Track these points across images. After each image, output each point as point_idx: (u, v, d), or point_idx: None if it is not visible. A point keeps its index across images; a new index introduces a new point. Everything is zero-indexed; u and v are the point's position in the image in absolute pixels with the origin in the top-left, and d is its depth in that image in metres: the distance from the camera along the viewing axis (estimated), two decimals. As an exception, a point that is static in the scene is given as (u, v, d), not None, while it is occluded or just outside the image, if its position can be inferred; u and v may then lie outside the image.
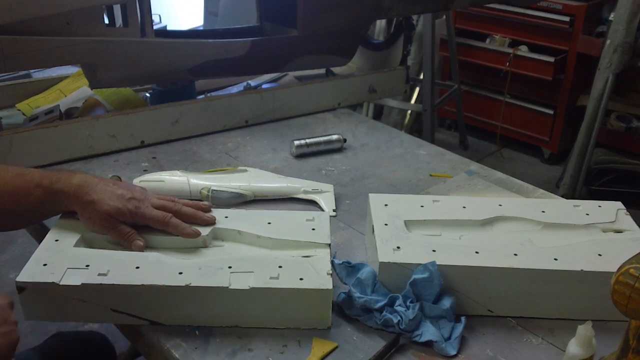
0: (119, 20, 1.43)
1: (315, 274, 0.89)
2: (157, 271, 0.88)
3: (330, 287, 0.87)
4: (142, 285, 0.85)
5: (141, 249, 0.94)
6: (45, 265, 0.88)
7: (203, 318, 0.89)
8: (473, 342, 0.89)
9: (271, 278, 0.88)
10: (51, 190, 0.94)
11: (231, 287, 0.86)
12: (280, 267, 0.90)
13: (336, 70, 1.89)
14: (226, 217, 1.02)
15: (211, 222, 0.99)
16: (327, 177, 1.36)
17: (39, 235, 1.19)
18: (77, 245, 0.94)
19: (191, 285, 0.86)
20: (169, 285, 0.86)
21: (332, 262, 0.93)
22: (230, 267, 0.89)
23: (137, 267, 0.89)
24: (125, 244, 0.95)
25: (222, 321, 0.89)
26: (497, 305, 0.93)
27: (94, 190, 0.94)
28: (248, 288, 0.86)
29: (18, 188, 0.94)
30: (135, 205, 0.95)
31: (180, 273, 0.87)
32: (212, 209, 1.04)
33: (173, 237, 0.96)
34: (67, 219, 0.99)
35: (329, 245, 0.96)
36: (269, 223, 1.01)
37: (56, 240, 0.94)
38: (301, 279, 0.88)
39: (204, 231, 0.97)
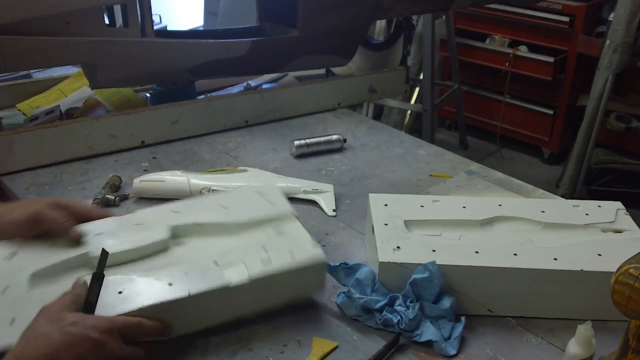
0: (119, 20, 1.43)
1: (300, 246, 0.89)
2: (144, 290, 0.81)
3: (321, 251, 0.88)
4: (140, 309, 0.79)
5: (78, 238, 0.89)
6: None
7: (204, 321, 0.86)
8: (473, 342, 0.89)
9: (263, 263, 0.86)
10: None
11: (232, 284, 0.84)
12: (264, 248, 0.89)
13: (336, 70, 1.89)
14: (176, 211, 0.95)
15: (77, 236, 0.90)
16: (327, 177, 1.36)
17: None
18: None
19: (191, 294, 0.81)
20: (171, 300, 0.80)
21: (329, 265, 0.93)
22: (216, 264, 0.86)
23: (120, 292, 0.81)
24: (61, 231, 0.89)
25: (223, 318, 0.87)
26: (497, 305, 0.93)
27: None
28: (248, 281, 0.84)
29: None
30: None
31: (170, 284, 0.82)
32: (157, 206, 0.98)
33: (130, 249, 0.88)
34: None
35: (293, 214, 0.96)
36: (225, 207, 0.96)
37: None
38: (291, 254, 0.87)
39: (162, 233, 0.91)
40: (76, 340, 0.70)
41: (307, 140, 1.45)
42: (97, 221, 0.94)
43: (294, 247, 0.89)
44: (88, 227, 0.92)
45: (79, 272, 0.85)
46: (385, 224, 0.99)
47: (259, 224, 0.95)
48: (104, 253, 0.80)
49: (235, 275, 0.85)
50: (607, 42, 2.68)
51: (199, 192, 1.20)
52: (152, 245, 0.89)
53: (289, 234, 0.92)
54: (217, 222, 0.94)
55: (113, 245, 0.87)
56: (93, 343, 0.71)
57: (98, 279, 0.78)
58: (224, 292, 0.84)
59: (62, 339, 0.70)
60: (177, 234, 0.93)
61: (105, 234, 0.90)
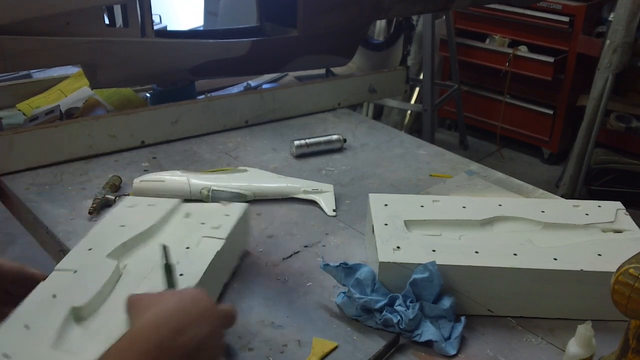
0: (119, 21, 1.43)
1: (220, 209, 1.01)
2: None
3: (239, 202, 1.05)
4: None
5: None
6: None
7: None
8: (473, 342, 0.89)
9: (218, 229, 0.95)
10: None
11: (219, 248, 0.91)
12: (201, 224, 0.97)
13: (336, 70, 1.89)
14: (90, 248, 0.91)
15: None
16: (327, 177, 1.36)
17: (40, 235, 1.20)
18: None
19: (210, 263, 0.88)
20: (202, 276, 0.86)
21: (329, 266, 0.93)
22: (188, 248, 0.92)
23: None
24: None
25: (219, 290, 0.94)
26: (497, 305, 0.93)
27: None
28: (226, 239, 0.92)
29: None
30: None
31: (182, 275, 0.84)
32: (68, 254, 0.91)
33: (100, 290, 0.83)
34: None
35: (177, 202, 1.05)
36: (122, 226, 0.96)
37: None
38: (224, 215, 0.98)
39: (109, 264, 0.87)
40: (195, 298, 0.69)
41: (307, 140, 1.45)
42: (40, 286, 0.83)
43: (219, 212, 0.99)
44: (38, 292, 0.82)
45: (73, 327, 0.78)
46: (385, 224, 0.99)
47: (165, 221, 1.00)
48: (165, 247, 0.81)
49: (213, 244, 0.93)
50: (607, 42, 2.69)
51: (199, 192, 1.20)
52: (112, 278, 0.85)
53: (199, 211, 1.02)
54: (136, 234, 0.94)
55: (81, 297, 0.80)
56: (208, 301, 0.70)
57: (169, 269, 0.79)
58: (217, 260, 0.91)
59: (185, 296, 0.69)
60: (117, 258, 0.89)
61: (60, 294, 0.81)
